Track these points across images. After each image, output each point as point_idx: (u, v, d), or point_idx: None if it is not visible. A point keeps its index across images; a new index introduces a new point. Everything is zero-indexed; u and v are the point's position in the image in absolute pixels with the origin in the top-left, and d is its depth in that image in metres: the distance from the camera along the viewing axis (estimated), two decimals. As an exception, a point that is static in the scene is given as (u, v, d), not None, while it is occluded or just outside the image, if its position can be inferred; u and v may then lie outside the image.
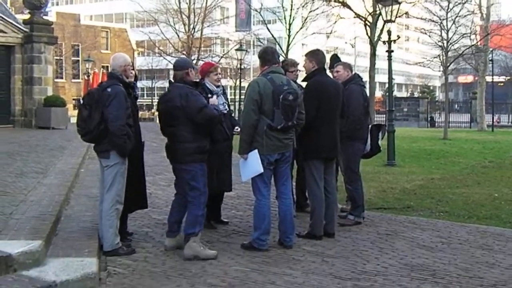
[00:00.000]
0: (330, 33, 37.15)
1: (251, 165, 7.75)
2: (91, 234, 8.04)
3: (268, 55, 8.08)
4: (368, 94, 9.78)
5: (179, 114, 7.41)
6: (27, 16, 29.03)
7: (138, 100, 8.89)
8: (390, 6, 19.66)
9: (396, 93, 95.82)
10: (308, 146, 8.46)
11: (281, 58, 9.27)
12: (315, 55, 8.75)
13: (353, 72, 9.97)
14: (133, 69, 8.11)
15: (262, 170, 7.67)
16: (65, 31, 63.39)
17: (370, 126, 9.91)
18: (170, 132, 7.62)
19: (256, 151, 7.70)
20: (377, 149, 9.90)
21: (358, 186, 9.64)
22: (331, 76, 9.57)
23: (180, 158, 7.52)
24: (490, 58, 46.26)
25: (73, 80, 66.67)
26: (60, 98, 29.36)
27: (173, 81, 7.75)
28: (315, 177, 8.44)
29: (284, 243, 7.96)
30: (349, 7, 29.47)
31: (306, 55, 8.88)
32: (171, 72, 7.82)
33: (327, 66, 9.44)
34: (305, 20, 40.02)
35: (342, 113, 8.78)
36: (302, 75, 9.10)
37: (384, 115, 31.09)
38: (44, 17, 30.00)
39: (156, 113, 55.04)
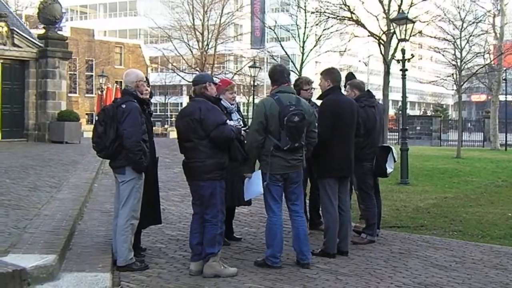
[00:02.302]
0: (344, 51, 37.16)
1: (253, 185, 7.80)
2: (104, 249, 8.05)
3: (275, 75, 8.06)
4: (377, 114, 9.62)
5: (198, 128, 7.34)
6: (42, 31, 29.18)
7: (152, 115, 8.91)
8: (404, 25, 19.69)
9: (409, 111, 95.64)
10: (323, 165, 8.45)
11: (293, 76, 9.28)
12: (330, 73, 8.76)
13: (365, 91, 9.87)
14: (149, 86, 8.13)
15: (261, 192, 7.70)
16: (79, 46, 63.78)
17: (380, 146, 9.79)
18: (188, 147, 7.51)
19: (259, 172, 7.76)
20: (380, 172, 9.65)
21: (371, 204, 9.59)
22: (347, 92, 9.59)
23: (199, 175, 7.43)
24: (503, 77, 46.10)
25: (86, 95, 67.01)
26: (74, 112, 29.47)
27: (193, 96, 7.72)
28: (330, 195, 8.43)
29: (300, 261, 7.93)
30: (363, 26, 29.42)
31: (321, 73, 8.89)
32: (185, 88, 7.89)
33: (342, 84, 9.43)
34: (319, 38, 40.07)
35: (357, 132, 8.77)
36: (318, 92, 9.07)
37: (397, 134, 31.01)
38: (59, 32, 30.16)
39: (169, 129, 54.97)
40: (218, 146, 7.42)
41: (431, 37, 36.65)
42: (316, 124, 8.18)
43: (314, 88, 9.81)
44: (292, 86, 8.22)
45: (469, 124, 67.47)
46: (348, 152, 8.56)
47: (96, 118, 7.97)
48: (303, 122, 7.68)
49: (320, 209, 9.06)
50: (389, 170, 9.71)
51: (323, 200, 8.55)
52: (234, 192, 8.51)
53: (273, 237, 7.82)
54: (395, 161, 9.85)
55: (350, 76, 10.65)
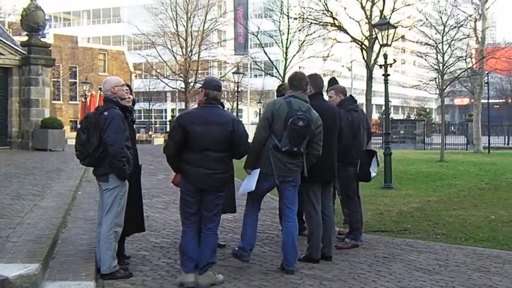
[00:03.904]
0: (327, 56, 37.29)
1: (249, 181, 7.83)
2: (88, 257, 8.03)
3: (294, 81, 8.18)
4: (359, 118, 9.70)
5: (229, 139, 7.27)
6: (25, 38, 29.12)
7: (135, 123, 8.86)
8: (386, 31, 19.78)
9: (393, 115, 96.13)
10: (307, 170, 8.47)
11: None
12: (312, 79, 8.76)
13: (347, 95, 9.96)
14: (131, 93, 8.12)
15: (253, 189, 7.73)
16: (63, 53, 63.59)
17: (364, 150, 9.87)
18: (215, 158, 7.22)
19: (258, 170, 7.78)
20: (365, 176, 9.74)
21: (355, 209, 9.64)
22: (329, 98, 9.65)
23: (222, 186, 7.40)
24: (485, 81, 46.37)
25: (70, 102, 66.78)
26: (57, 120, 29.39)
27: (211, 101, 7.39)
28: (313, 201, 8.46)
29: (285, 267, 7.95)
30: (345, 31, 29.60)
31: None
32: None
33: (325, 89, 9.48)
34: (302, 43, 40.24)
35: (339, 137, 8.80)
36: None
37: (381, 138, 31.13)
38: (42, 39, 30.07)
39: (154, 135, 54.78)
40: (234, 158, 7.49)
41: (413, 42, 36.88)
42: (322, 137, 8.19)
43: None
44: (305, 93, 8.19)
45: (452, 128, 67.87)
46: (331, 157, 8.57)
47: (79, 126, 7.95)
48: (307, 128, 7.73)
49: (304, 214, 9.08)
50: (372, 174, 9.80)
51: (307, 205, 8.57)
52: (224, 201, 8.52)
53: (243, 230, 8.04)
54: (378, 165, 9.92)
55: (333, 81, 10.70)
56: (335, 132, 8.68)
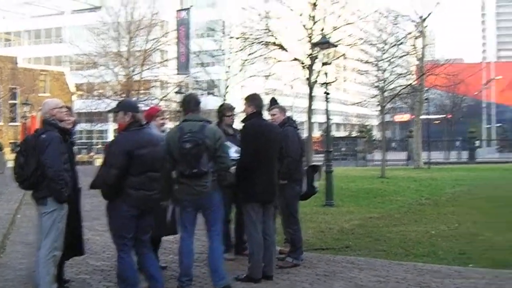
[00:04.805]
0: (269, 75, 37.44)
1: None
2: (27, 281, 7.92)
3: (184, 104, 8.26)
4: (306, 135, 9.89)
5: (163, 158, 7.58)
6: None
7: (76, 144, 8.78)
8: (327, 49, 20.01)
9: (335, 132, 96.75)
10: (246, 190, 8.50)
11: (219, 101, 9.40)
12: (253, 99, 8.87)
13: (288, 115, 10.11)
14: (72, 115, 8.08)
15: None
16: (3, 74, 62.75)
17: (306, 167, 10.03)
18: (156, 178, 7.38)
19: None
20: (312, 190, 9.96)
21: (298, 228, 9.71)
22: (270, 118, 9.73)
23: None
24: (425, 97, 47.13)
25: (10, 124, 65.78)
26: (-3, 142, 28.95)
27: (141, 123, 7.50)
28: (254, 221, 8.49)
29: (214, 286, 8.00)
30: (286, 50, 29.82)
31: (245, 99, 8.99)
32: (110, 115, 7.85)
33: (265, 108, 9.57)
34: (244, 63, 40.36)
35: (280, 155, 8.88)
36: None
37: (323, 155, 31.29)
38: (-20, 61, 29.67)
39: (95, 156, 54.12)
40: None
41: (355, 60, 37.33)
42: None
43: (235, 115, 9.95)
44: (199, 113, 8.23)
45: (393, 144, 68.71)
46: (271, 176, 8.63)
47: (18, 148, 7.87)
48: (196, 148, 7.73)
49: (245, 234, 9.10)
50: (316, 189, 9.99)
51: (247, 225, 8.60)
52: (162, 222, 8.48)
53: (180, 262, 8.01)
54: (319, 179, 10.08)
55: (274, 101, 10.80)
56: (275, 151, 8.74)
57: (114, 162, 7.16)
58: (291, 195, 9.54)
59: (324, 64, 20.38)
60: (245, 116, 8.86)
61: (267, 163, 8.50)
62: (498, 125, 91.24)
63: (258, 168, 8.44)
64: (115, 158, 7.18)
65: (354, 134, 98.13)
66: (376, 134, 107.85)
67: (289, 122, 9.76)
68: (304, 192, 9.84)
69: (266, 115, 9.41)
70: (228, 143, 8.63)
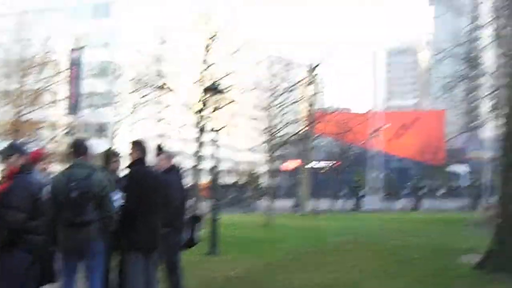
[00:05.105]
0: (160, 119, 37.33)
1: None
2: None
3: (72, 149, 8.18)
4: (193, 182, 9.89)
5: None
6: None
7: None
8: (217, 95, 20.11)
9: (223, 179, 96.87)
10: (129, 237, 8.36)
11: (107, 144, 9.29)
12: (138, 145, 8.83)
13: (174, 161, 10.06)
14: None
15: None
16: None
17: (188, 216, 9.97)
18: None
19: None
20: (194, 240, 9.91)
21: (179, 277, 9.60)
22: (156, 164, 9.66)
23: None
24: (314, 145, 47.95)
25: None
26: None
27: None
28: (136, 269, 8.35)
29: None
30: (177, 95, 29.85)
31: (131, 144, 8.91)
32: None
33: (152, 154, 9.52)
34: (135, 105, 40.10)
35: (163, 203, 8.79)
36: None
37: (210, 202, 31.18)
38: None
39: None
40: None
41: (246, 105, 37.68)
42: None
43: (120, 160, 9.82)
44: (87, 158, 8.11)
45: (281, 191, 69.36)
46: (154, 224, 8.53)
47: None
48: (82, 197, 7.63)
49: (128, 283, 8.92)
50: (197, 239, 9.92)
51: (130, 274, 8.43)
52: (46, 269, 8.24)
53: None
54: (201, 229, 10.05)
55: (160, 147, 10.74)
56: (159, 198, 8.66)
57: (47, 211, 7.24)
58: (173, 243, 9.45)
59: (214, 109, 20.46)
60: (130, 161, 8.77)
61: (150, 211, 8.40)
62: (384, 174, 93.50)
63: (142, 215, 8.33)
64: (46, 204, 7.19)
65: (243, 181, 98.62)
66: (265, 181, 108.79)
67: (174, 169, 9.72)
68: (186, 241, 9.77)
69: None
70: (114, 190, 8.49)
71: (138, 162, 8.64)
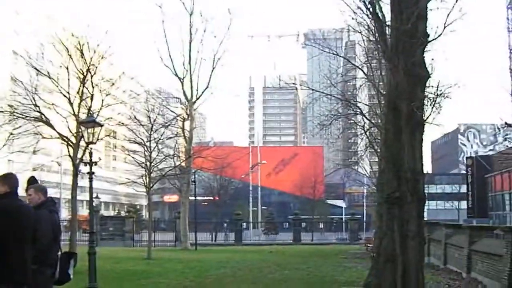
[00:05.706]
0: (36, 151, 36.29)
1: None
2: None
3: None
4: (73, 214, 9.58)
5: None
6: None
7: None
8: (92, 128, 19.83)
9: (103, 211, 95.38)
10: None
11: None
12: (7, 179, 8.49)
13: (48, 197, 9.72)
14: None
15: None
16: None
17: (60, 253, 9.67)
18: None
19: None
20: (65, 277, 9.58)
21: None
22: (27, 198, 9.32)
23: None
24: (192, 179, 47.97)
25: None
26: None
27: None
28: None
29: None
30: (52, 127, 29.17)
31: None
32: None
33: (24, 188, 9.19)
34: (9, 137, 38.87)
35: (33, 238, 8.46)
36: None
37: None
38: None
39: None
40: None
41: (122, 139, 37.29)
42: None
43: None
44: None
45: (162, 224, 68.97)
46: (24, 258, 8.19)
47: None
48: None
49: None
50: (71, 276, 9.63)
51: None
52: None
53: None
54: (75, 266, 9.75)
55: (32, 180, 10.39)
56: (29, 232, 8.33)
57: None
58: (42, 280, 9.11)
59: (88, 143, 20.15)
60: (-1, 195, 8.42)
61: (19, 245, 8.07)
62: (264, 208, 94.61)
63: (11, 249, 7.98)
64: None
65: (123, 213, 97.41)
66: (145, 214, 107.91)
67: (46, 204, 9.36)
68: (59, 277, 9.46)
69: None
70: None
71: (6, 196, 8.28)
